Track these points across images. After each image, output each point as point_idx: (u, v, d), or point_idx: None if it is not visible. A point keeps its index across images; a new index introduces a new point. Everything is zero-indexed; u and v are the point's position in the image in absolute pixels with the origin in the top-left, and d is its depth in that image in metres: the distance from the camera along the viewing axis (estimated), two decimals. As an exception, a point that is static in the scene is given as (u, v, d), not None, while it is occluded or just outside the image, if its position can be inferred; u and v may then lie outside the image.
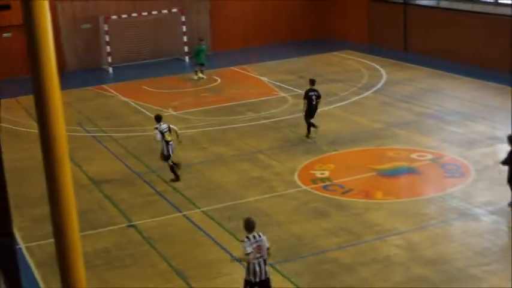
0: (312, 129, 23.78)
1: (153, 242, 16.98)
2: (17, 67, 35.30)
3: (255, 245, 12.79)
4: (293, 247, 16.30)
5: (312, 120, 23.72)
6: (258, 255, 12.83)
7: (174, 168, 20.85)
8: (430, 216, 17.58)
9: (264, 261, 12.94)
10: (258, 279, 12.94)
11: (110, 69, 37.26)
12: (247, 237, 12.85)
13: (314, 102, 23.65)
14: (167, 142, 20.52)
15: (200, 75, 33.68)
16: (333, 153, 22.53)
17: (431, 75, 31.82)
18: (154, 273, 15.43)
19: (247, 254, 12.76)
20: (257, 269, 12.88)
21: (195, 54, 34.09)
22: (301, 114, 24.18)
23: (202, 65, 33.75)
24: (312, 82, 23.84)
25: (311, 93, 23.65)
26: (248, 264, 12.91)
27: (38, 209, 19.08)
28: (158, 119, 20.82)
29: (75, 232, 2.41)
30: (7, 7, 31.97)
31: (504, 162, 17.36)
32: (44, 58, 2.38)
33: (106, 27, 37.47)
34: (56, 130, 2.27)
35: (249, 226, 12.96)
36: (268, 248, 12.92)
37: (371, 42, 39.32)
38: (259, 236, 12.90)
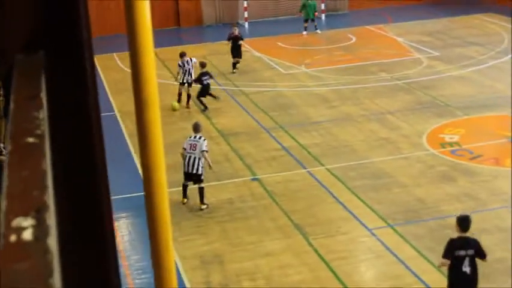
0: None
1: (275, 196, 17.14)
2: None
3: (192, 143, 16.41)
4: (415, 210, 16.10)
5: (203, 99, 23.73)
6: (192, 151, 16.33)
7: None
8: (562, 187, 16.92)
9: (195, 158, 16.32)
10: (186, 170, 16.43)
11: (246, 25, 37.50)
12: (190, 137, 16.73)
13: (205, 83, 23.47)
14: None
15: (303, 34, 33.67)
16: (464, 117, 21.98)
17: None
18: (274, 227, 15.61)
19: (183, 149, 16.57)
20: (187, 162, 16.37)
21: (302, 8, 34.17)
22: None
23: (306, 21, 33.67)
24: (203, 65, 23.54)
25: (203, 78, 23.34)
26: (184, 157, 16.51)
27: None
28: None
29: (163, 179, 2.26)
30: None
31: None
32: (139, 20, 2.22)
33: (244, -18, 37.65)
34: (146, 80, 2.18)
35: (195, 128, 16.84)
36: (204, 151, 16.34)
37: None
38: (199, 138, 16.53)
